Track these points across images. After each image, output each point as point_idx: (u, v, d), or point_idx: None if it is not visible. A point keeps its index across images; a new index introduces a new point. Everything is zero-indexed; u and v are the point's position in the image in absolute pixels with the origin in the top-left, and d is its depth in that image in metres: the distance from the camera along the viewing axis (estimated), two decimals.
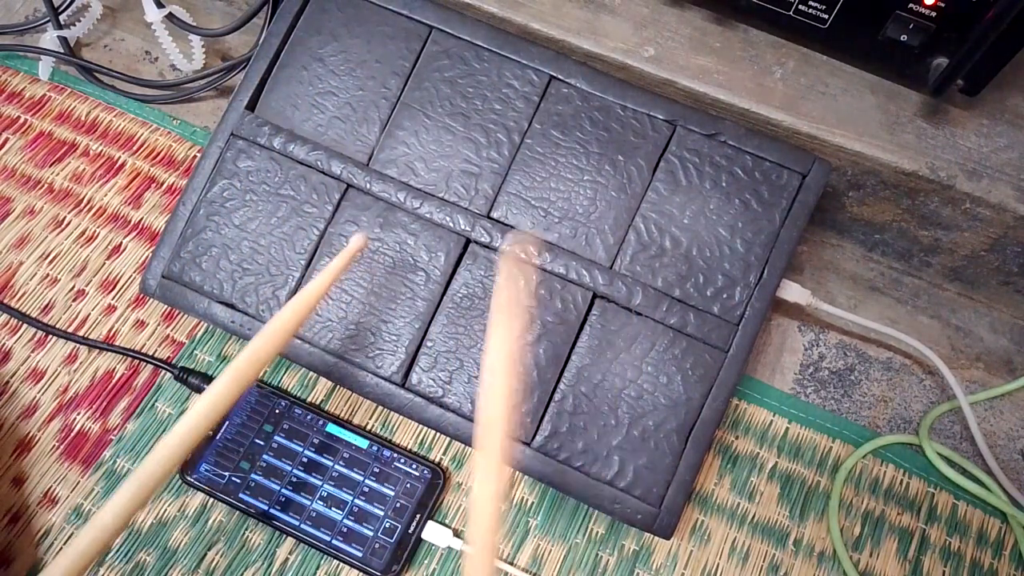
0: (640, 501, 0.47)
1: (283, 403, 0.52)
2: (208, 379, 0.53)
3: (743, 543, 0.51)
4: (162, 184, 0.60)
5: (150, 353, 0.54)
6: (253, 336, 0.49)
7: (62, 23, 0.63)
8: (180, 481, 0.51)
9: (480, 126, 0.51)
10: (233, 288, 0.50)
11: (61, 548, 0.50)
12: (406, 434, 0.53)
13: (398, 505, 0.50)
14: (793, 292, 0.52)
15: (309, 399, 0.53)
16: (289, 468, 0.50)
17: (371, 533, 0.49)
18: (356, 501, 0.50)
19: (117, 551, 0.50)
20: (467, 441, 0.48)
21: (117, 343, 0.55)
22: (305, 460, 0.50)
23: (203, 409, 0.39)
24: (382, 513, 0.49)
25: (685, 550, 0.51)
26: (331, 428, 0.51)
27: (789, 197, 0.49)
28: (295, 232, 0.50)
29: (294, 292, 0.50)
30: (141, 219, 0.59)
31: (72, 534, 0.50)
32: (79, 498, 0.51)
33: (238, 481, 0.50)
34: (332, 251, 0.50)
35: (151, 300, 0.56)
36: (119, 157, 0.61)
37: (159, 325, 0.56)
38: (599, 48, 0.52)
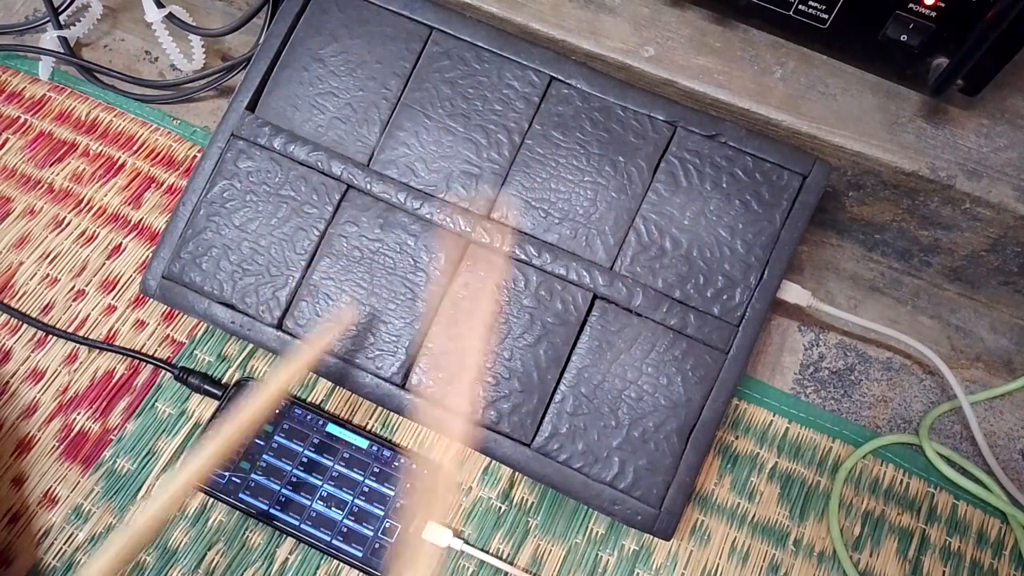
0: (640, 502, 0.47)
1: (283, 403, 0.52)
2: (208, 379, 0.53)
3: (743, 543, 0.51)
4: (162, 184, 0.60)
5: (150, 353, 0.54)
6: (251, 336, 0.49)
7: (62, 23, 0.63)
8: None
9: (480, 127, 0.51)
10: (233, 289, 0.50)
11: (62, 548, 0.50)
12: (406, 434, 0.53)
13: (398, 505, 0.50)
14: (793, 293, 0.52)
15: (309, 399, 0.53)
16: (289, 468, 0.50)
17: (371, 533, 0.49)
18: (356, 501, 0.50)
19: None
20: (468, 442, 0.48)
21: (117, 343, 0.55)
22: (305, 460, 0.51)
23: (201, 457, 0.41)
24: (382, 513, 0.49)
25: (685, 550, 0.51)
26: (331, 428, 0.51)
27: (789, 198, 0.49)
28: (295, 233, 0.50)
29: (294, 292, 0.50)
30: (141, 219, 0.59)
31: (72, 534, 0.50)
32: (79, 498, 0.51)
33: (238, 481, 0.50)
34: (332, 251, 0.50)
35: (151, 300, 0.56)
36: (119, 157, 0.61)
37: (159, 325, 0.56)
38: (599, 48, 0.52)
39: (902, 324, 0.57)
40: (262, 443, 0.51)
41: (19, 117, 0.62)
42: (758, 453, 0.54)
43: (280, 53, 0.53)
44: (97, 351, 0.55)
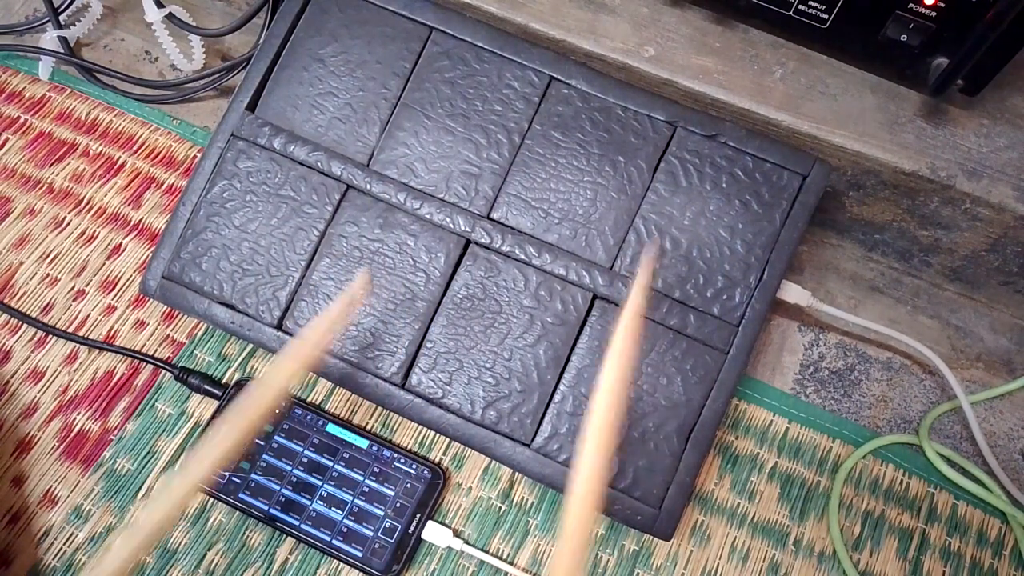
0: (640, 502, 0.47)
1: (283, 403, 0.52)
2: (208, 379, 0.53)
3: (743, 543, 0.51)
4: (162, 184, 0.60)
5: (150, 353, 0.54)
6: (251, 336, 0.49)
7: (62, 23, 0.63)
8: None
9: (480, 127, 0.51)
10: (233, 289, 0.50)
11: (62, 548, 0.50)
12: (406, 434, 0.53)
13: (398, 505, 0.50)
14: (793, 293, 0.52)
15: (309, 399, 0.53)
16: (289, 468, 0.50)
17: (371, 533, 0.49)
18: (356, 501, 0.50)
19: None
20: (467, 442, 0.48)
21: (117, 343, 0.55)
22: (305, 460, 0.51)
23: (205, 455, 0.40)
24: (382, 513, 0.49)
25: (685, 550, 0.51)
26: (331, 428, 0.51)
27: (789, 198, 0.49)
28: (295, 233, 0.50)
29: (294, 293, 0.50)
30: (141, 219, 0.59)
31: (72, 534, 0.50)
32: (79, 498, 0.51)
33: (238, 481, 0.50)
34: (332, 251, 0.50)
35: (151, 300, 0.56)
36: (119, 157, 0.61)
37: (159, 325, 0.56)
38: (599, 48, 0.52)
39: (902, 324, 0.57)
40: (262, 443, 0.51)
41: (19, 117, 0.62)
42: (758, 453, 0.54)
43: (280, 53, 0.53)
44: (97, 351, 0.55)
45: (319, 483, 0.50)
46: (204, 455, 0.40)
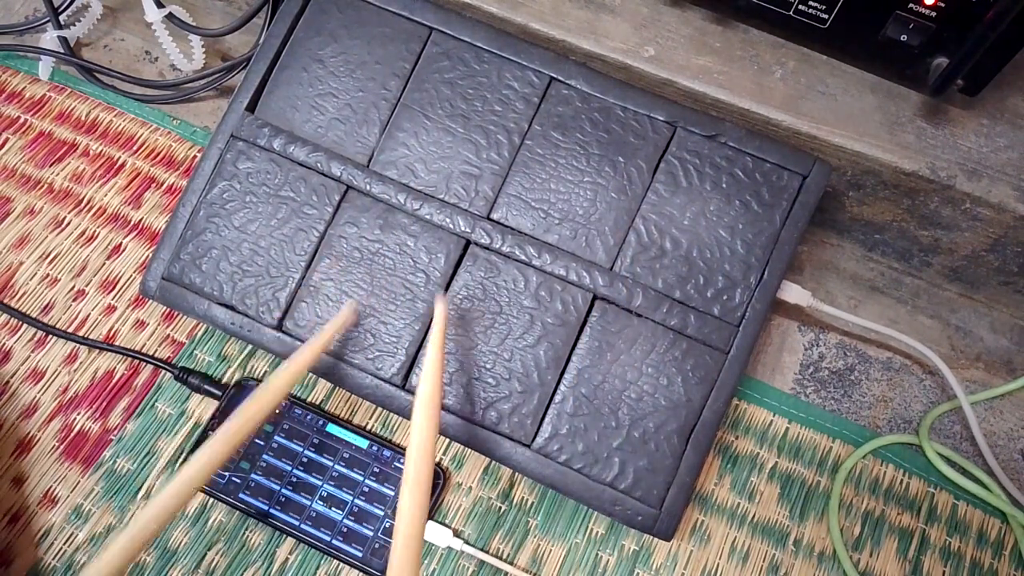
0: (640, 503, 0.47)
1: (283, 403, 0.52)
2: (208, 379, 0.53)
3: (743, 543, 0.51)
4: (162, 184, 0.60)
5: (150, 353, 0.54)
6: (251, 337, 0.49)
7: (62, 23, 0.63)
8: None
9: (480, 127, 0.51)
10: (233, 290, 0.50)
11: (62, 548, 0.50)
12: (406, 434, 0.53)
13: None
14: (793, 293, 0.52)
15: (309, 399, 0.53)
16: (289, 468, 0.50)
17: (371, 533, 0.49)
18: (356, 501, 0.50)
19: None
20: (467, 443, 0.48)
21: (117, 343, 0.55)
22: (305, 460, 0.51)
23: (186, 478, 0.39)
24: (382, 513, 0.49)
25: (685, 550, 0.51)
26: (331, 428, 0.51)
27: (789, 198, 0.49)
28: (295, 234, 0.50)
29: (294, 294, 0.50)
30: (141, 219, 0.59)
31: (72, 534, 0.50)
32: (79, 498, 0.51)
33: (238, 481, 0.50)
34: (332, 252, 0.50)
35: (151, 300, 0.56)
36: (119, 157, 0.61)
37: (159, 325, 0.56)
38: (599, 48, 0.51)
39: (902, 324, 0.57)
40: (262, 443, 0.51)
41: (19, 117, 0.62)
42: (758, 453, 0.54)
43: (280, 53, 0.53)
44: (97, 351, 0.55)
45: (319, 483, 0.50)
46: (203, 456, 0.40)
